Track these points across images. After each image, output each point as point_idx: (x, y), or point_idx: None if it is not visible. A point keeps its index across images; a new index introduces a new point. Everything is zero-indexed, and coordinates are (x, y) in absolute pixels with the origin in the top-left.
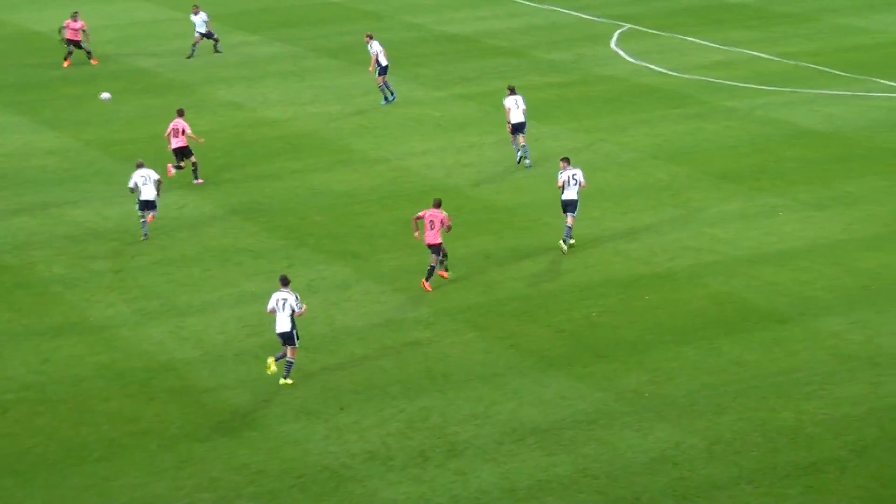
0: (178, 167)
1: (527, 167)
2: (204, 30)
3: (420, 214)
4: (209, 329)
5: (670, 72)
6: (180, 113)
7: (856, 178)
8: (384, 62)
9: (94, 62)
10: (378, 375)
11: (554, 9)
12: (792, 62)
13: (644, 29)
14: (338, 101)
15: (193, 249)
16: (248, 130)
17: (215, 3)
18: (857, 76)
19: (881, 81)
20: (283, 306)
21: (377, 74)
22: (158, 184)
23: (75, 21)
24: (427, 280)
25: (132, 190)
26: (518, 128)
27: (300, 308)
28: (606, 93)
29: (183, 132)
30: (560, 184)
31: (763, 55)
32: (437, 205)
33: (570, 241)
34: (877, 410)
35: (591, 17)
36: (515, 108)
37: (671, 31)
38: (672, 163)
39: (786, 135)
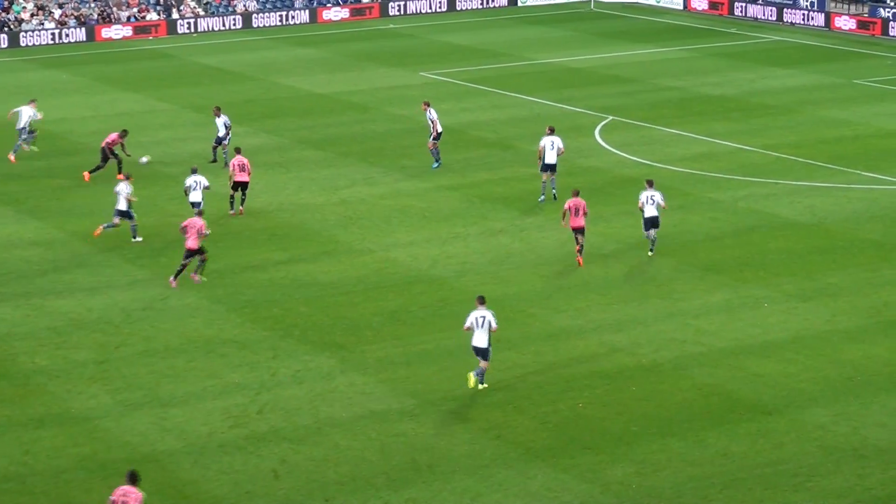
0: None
1: (539, 202)
2: (222, 133)
3: (566, 206)
4: (192, 420)
5: (654, 163)
6: (200, 214)
7: (839, 269)
8: (440, 129)
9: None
10: (363, 467)
11: (538, 100)
12: (774, 154)
13: (627, 121)
14: (323, 192)
15: (177, 340)
16: (234, 221)
17: (201, 95)
18: (838, 168)
19: (862, 173)
20: (481, 323)
21: (430, 139)
22: (206, 190)
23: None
24: (581, 254)
25: (186, 191)
26: (549, 168)
27: (496, 325)
28: (590, 184)
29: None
30: (640, 204)
31: (745, 147)
32: (576, 193)
33: (651, 252)
34: (862, 503)
35: (574, 108)
36: (550, 148)
37: (654, 122)
38: (656, 254)
39: (769, 226)
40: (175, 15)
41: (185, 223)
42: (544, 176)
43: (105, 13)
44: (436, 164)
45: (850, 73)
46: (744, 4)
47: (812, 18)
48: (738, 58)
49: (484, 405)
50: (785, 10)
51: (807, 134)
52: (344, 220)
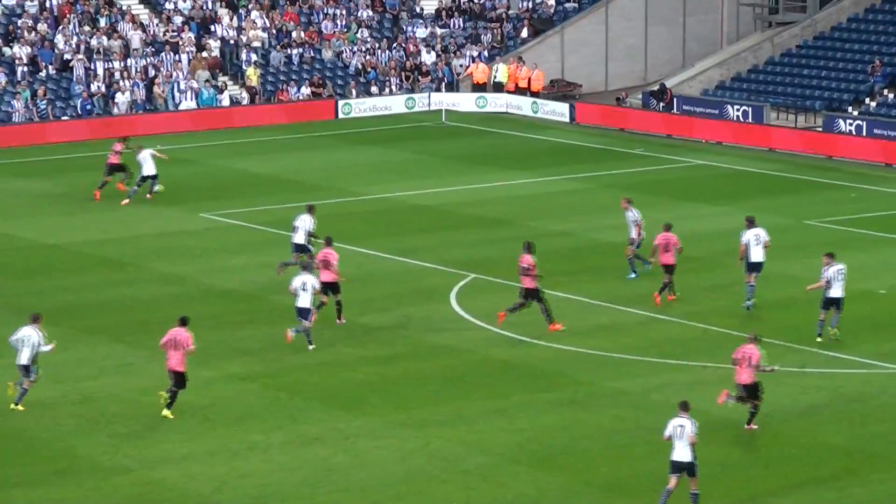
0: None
1: (747, 308)
2: None
3: (655, 243)
4: None
5: (533, 340)
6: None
7: (793, 489)
8: (643, 233)
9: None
10: None
11: (370, 252)
12: (700, 325)
13: (495, 280)
14: (56, 385)
15: None
16: None
17: None
18: (788, 344)
19: (819, 351)
20: (680, 434)
21: (628, 244)
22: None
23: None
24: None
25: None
26: (754, 268)
27: (694, 435)
28: (445, 370)
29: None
30: (825, 281)
31: (660, 316)
32: (668, 228)
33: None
34: None
35: (421, 263)
36: (755, 244)
37: None
38: (539, 469)
39: (698, 428)
40: None
41: (657, 241)
42: (750, 278)
43: None
44: (632, 275)
45: (801, 210)
46: (654, 114)
47: (747, 134)
48: (647, 190)
49: None
50: (709, 120)
51: (743, 298)
52: (86, 425)
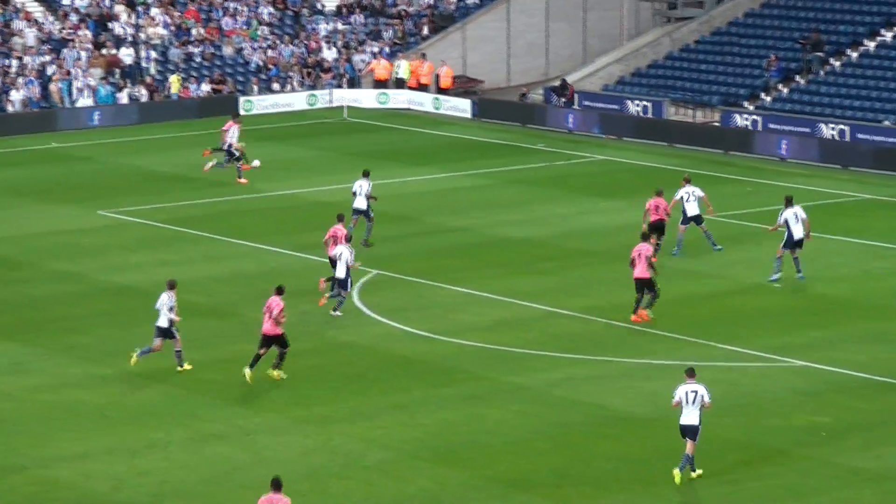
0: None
1: (800, 279)
2: None
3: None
4: None
5: (434, 335)
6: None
7: (690, 482)
8: (696, 211)
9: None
10: None
11: (271, 248)
12: (601, 320)
13: (397, 276)
14: None
15: None
16: None
17: None
18: (687, 338)
19: (718, 345)
20: (693, 399)
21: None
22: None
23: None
24: (636, 312)
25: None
26: (797, 244)
27: (709, 401)
28: (345, 367)
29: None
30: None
31: (561, 311)
32: (645, 238)
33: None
34: None
35: (324, 259)
36: (795, 222)
37: (435, 278)
38: (441, 464)
39: (595, 423)
40: None
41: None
42: (795, 252)
43: None
44: (675, 251)
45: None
46: (556, 110)
47: (646, 129)
48: (549, 185)
49: None
50: (610, 115)
51: (791, 272)
52: None
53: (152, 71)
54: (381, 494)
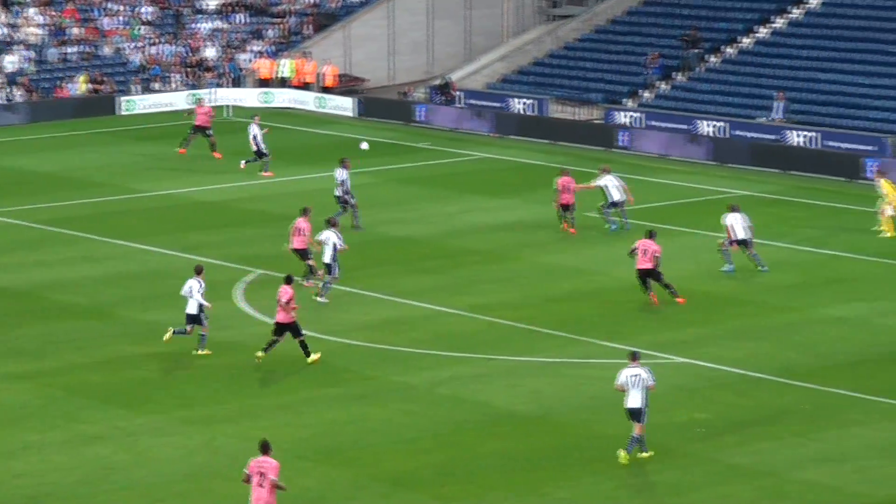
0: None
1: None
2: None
3: (634, 246)
4: None
5: (320, 335)
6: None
7: (573, 480)
8: (617, 196)
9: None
10: None
11: (154, 249)
12: (485, 318)
13: (281, 275)
14: None
15: None
16: None
17: None
18: (570, 336)
19: (601, 343)
20: (635, 382)
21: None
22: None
23: (201, 107)
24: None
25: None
26: (743, 244)
27: (653, 383)
28: (230, 367)
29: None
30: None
31: (445, 309)
32: (649, 235)
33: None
34: None
35: (209, 259)
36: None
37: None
38: (325, 464)
39: (479, 421)
40: None
41: (637, 245)
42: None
43: None
44: (613, 227)
45: (582, 202)
46: (438, 108)
47: (530, 127)
48: (434, 183)
49: None
50: (494, 113)
51: (529, 289)
52: None
53: (30, 71)
54: None
